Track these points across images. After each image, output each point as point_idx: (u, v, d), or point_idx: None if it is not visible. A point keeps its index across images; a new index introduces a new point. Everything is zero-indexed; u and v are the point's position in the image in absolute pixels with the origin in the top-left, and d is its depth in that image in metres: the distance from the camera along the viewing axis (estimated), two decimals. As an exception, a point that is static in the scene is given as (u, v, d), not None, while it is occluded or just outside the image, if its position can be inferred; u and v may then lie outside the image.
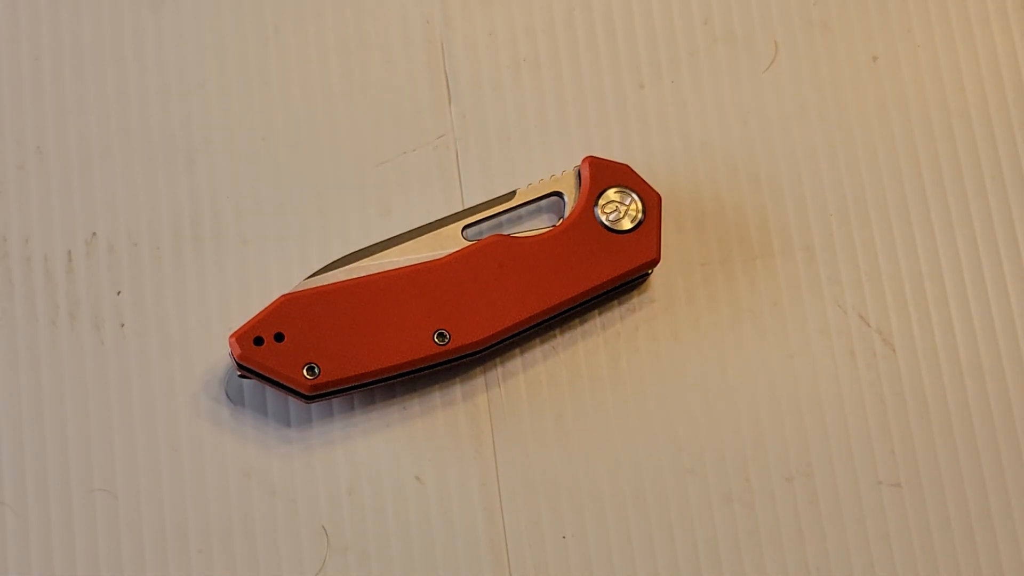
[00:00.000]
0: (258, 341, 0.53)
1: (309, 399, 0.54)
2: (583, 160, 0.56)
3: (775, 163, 0.58)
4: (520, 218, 0.57)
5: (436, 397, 0.56)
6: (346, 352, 0.53)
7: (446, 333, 0.53)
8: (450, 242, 0.54)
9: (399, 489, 0.55)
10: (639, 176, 0.56)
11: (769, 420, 0.56)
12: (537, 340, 0.56)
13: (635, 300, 0.57)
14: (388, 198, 0.57)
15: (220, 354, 0.56)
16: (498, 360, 0.56)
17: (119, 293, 0.56)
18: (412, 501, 0.55)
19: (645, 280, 0.57)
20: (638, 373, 0.56)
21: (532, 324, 0.54)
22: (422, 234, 0.55)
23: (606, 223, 0.55)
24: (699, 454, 0.55)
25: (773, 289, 0.57)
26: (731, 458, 0.55)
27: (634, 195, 0.55)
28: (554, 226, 0.55)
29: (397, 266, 0.54)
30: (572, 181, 0.56)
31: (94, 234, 0.57)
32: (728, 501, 0.55)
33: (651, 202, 0.55)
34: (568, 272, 0.54)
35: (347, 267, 0.54)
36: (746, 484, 0.55)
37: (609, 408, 0.56)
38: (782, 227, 0.57)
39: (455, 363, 0.55)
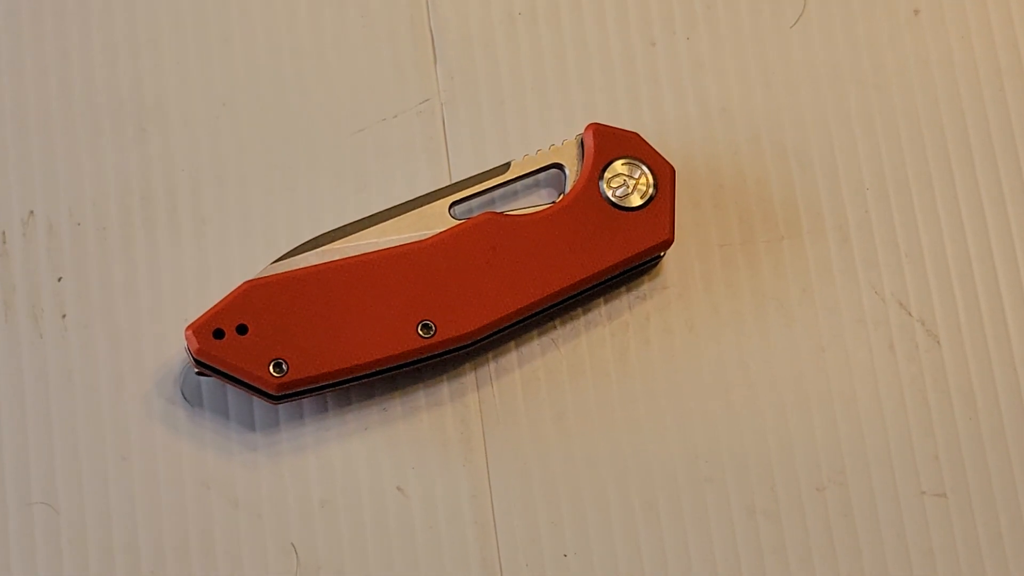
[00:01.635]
0: (218, 334, 0.53)
1: (276, 399, 0.54)
2: (586, 128, 0.56)
3: (803, 131, 0.58)
4: (515, 193, 0.57)
5: (420, 397, 0.55)
6: (318, 346, 0.53)
7: (431, 324, 0.53)
8: (436, 221, 0.54)
9: (379, 501, 0.54)
10: (650, 146, 0.56)
11: (797, 422, 0.56)
12: (535, 332, 0.56)
13: (645, 286, 0.57)
14: (365, 171, 0.57)
15: (175, 348, 0.55)
16: (490, 355, 0.56)
17: (60, 280, 0.56)
18: (393, 515, 0.54)
19: (657, 264, 0.56)
20: (649, 369, 0.56)
21: (529, 314, 0.54)
22: (404, 212, 0.55)
23: (612, 199, 0.55)
24: (718, 460, 0.55)
25: (802, 274, 0.57)
26: (754, 465, 0.55)
27: (644, 167, 0.55)
28: (554, 202, 0.55)
29: (376, 248, 0.54)
30: (574, 151, 0.56)
31: (31, 213, 0.56)
32: (751, 513, 0.55)
33: (663, 175, 0.55)
34: (569, 255, 0.54)
35: (319, 250, 0.54)
36: (771, 494, 0.55)
37: (616, 409, 0.56)
38: (811, 203, 0.57)
39: (442, 358, 0.54)
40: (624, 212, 0.55)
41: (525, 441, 0.55)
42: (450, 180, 0.57)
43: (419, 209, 0.54)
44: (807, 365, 0.56)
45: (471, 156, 0.57)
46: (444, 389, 0.55)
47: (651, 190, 0.55)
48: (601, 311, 0.56)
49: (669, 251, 0.56)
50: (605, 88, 0.58)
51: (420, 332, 0.53)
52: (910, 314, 0.57)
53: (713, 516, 0.55)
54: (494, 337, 0.54)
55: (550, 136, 0.57)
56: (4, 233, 0.56)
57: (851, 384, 0.56)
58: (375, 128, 0.57)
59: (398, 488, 0.54)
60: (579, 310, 0.56)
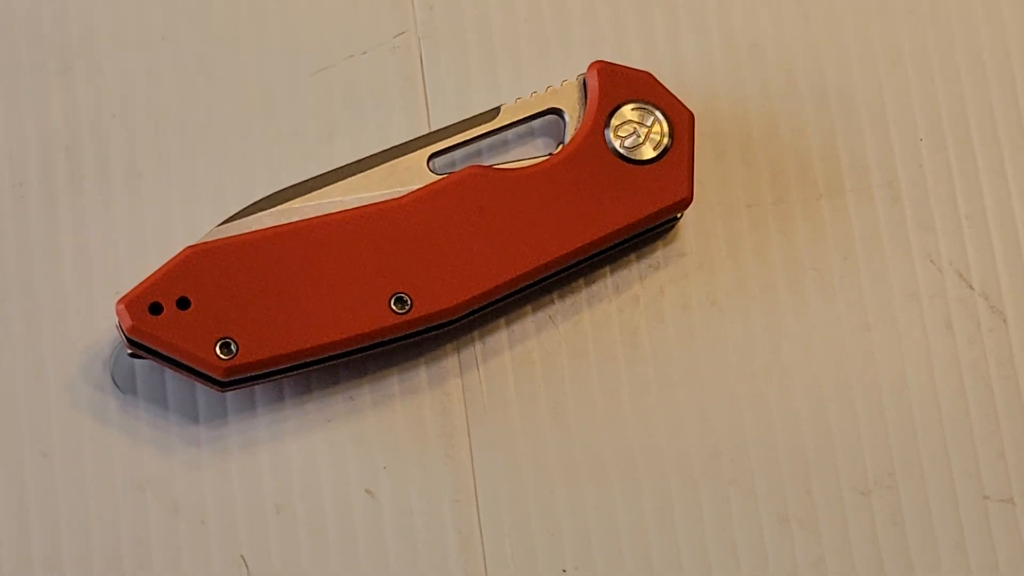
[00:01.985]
0: (155, 308, 0.51)
1: (224, 386, 0.53)
2: (590, 66, 0.55)
3: (847, 71, 0.57)
4: (506, 144, 0.56)
5: (394, 383, 0.54)
6: (273, 323, 0.52)
7: (407, 298, 0.52)
8: (412, 176, 0.54)
9: (344, 506, 0.53)
10: (665, 88, 0.55)
11: (838, 413, 0.54)
12: (529, 307, 0.55)
13: (659, 253, 0.56)
14: (330, 117, 0.56)
15: (106, 325, 0.54)
16: (476, 334, 0.55)
17: (-31, 247, 0.56)
18: (361, 522, 0.53)
19: (673, 227, 0.56)
20: (663, 351, 0.55)
21: (522, 286, 0.53)
22: (375, 165, 0.54)
23: (621, 151, 0.54)
24: (744, 459, 0.54)
25: (844, 239, 0.56)
26: (787, 464, 0.54)
27: (658, 113, 0.54)
28: (551, 154, 0.54)
29: (342, 208, 0.53)
30: (575, 95, 0.55)
31: (-63, 168, 0.57)
32: (783, 521, 0.54)
33: (681, 123, 0.54)
34: (570, 216, 0.53)
35: (274, 209, 0.53)
36: (807, 499, 0.54)
37: (624, 398, 0.54)
38: (856, 156, 0.56)
39: (419, 337, 0.54)
40: (634, 166, 0.54)
41: (517, 435, 0.54)
42: (429, 128, 0.56)
43: (393, 162, 0.54)
44: (850, 346, 0.55)
45: (454, 100, 0.56)
46: (422, 374, 0.54)
47: (666, 140, 0.54)
48: (607, 282, 0.55)
49: (687, 212, 0.55)
50: (612, 20, 0.57)
51: (393, 306, 0.52)
52: (971, 287, 0.56)
53: (738, 524, 0.54)
54: (481, 313, 0.54)
55: (547, 76, 0.56)
56: (-96, 193, 0.57)
57: (902, 369, 0.55)
58: (341, 66, 0.57)
59: (367, 491, 0.53)
60: (581, 281, 0.55)
